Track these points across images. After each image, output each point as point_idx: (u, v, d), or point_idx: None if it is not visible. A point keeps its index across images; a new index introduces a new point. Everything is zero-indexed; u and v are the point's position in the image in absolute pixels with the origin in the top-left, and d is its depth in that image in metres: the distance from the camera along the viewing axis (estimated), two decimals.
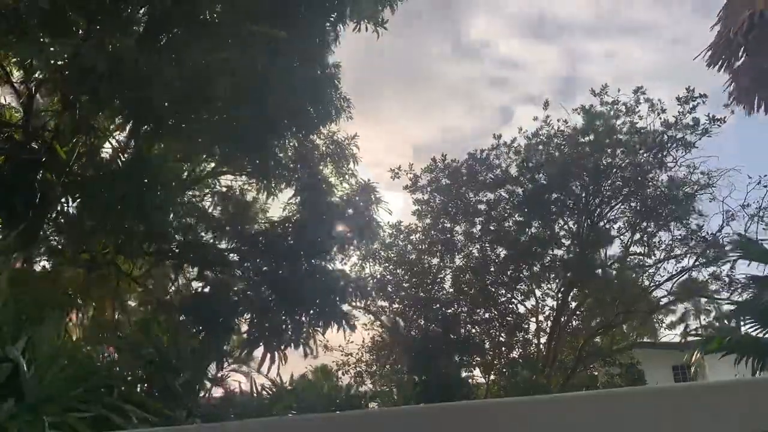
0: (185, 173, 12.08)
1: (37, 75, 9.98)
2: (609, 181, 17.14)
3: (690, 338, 19.02)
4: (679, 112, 16.34)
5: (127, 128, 9.58)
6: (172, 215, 11.00)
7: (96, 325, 12.02)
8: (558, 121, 17.37)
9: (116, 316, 12.84)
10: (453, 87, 31.31)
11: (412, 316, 18.02)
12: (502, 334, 18.42)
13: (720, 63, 10.73)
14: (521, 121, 31.55)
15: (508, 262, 17.99)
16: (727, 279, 16.45)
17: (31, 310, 5.56)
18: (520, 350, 18.62)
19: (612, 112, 16.90)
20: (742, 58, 10.49)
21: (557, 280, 18.41)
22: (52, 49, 7.92)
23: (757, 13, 9.75)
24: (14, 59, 9.99)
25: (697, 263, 17.03)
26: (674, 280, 17.65)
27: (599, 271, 17.92)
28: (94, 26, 8.63)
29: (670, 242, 17.42)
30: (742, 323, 7.08)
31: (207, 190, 13.21)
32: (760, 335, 6.72)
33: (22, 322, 4.81)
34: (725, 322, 18.94)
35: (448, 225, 18.50)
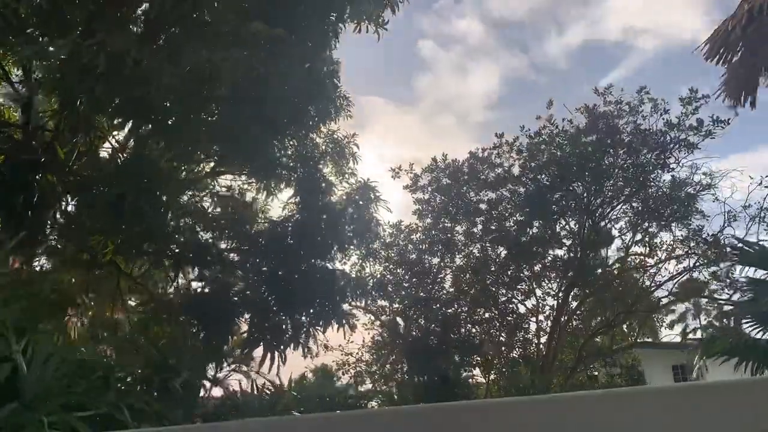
0: (185, 173, 12.08)
1: (36, 75, 9.99)
2: (611, 181, 17.14)
3: (690, 338, 19.04)
4: (681, 113, 16.33)
5: (127, 128, 9.58)
6: (171, 215, 11.00)
7: (96, 325, 12.01)
8: (563, 120, 17.38)
9: (116, 316, 12.84)
10: None
11: (413, 316, 18.02)
12: (502, 334, 18.43)
13: (717, 57, 10.68)
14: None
15: (509, 262, 17.99)
16: (727, 280, 16.46)
17: (31, 310, 5.55)
18: (520, 350, 18.63)
19: (615, 112, 16.88)
20: (740, 52, 10.45)
21: (558, 280, 18.41)
22: (50, 48, 7.91)
23: (756, 6, 9.71)
24: (14, 59, 9.99)
25: (698, 264, 17.04)
26: (675, 280, 17.68)
27: (600, 271, 17.93)
28: (93, 26, 8.63)
29: (672, 243, 17.44)
30: (742, 324, 7.05)
31: (206, 190, 13.21)
32: (759, 336, 6.69)
33: (23, 322, 4.80)
34: (725, 322, 18.97)
35: (449, 225, 18.51)
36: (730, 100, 10.87)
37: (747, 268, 6.96)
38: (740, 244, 7.63)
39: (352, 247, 14.06)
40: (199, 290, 12.13)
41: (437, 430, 1.17)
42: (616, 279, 18.15)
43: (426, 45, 30.04)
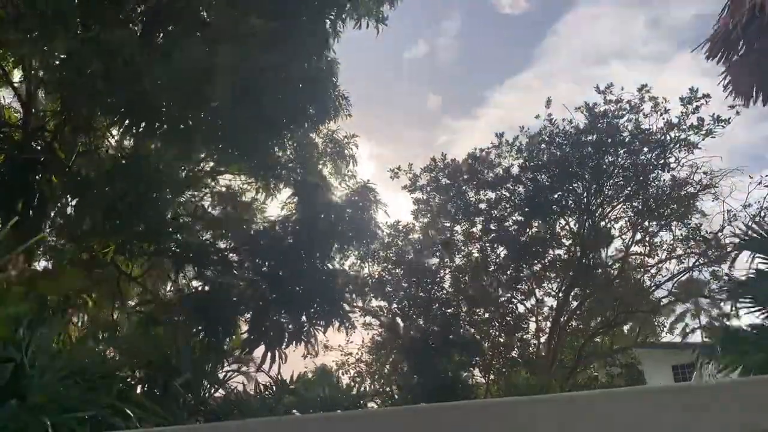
0: (184, 173, 12.07)
1: (36, 75, 9.99)
2: (611, 181, 17.14)
3: (689, 338, 19.03)
4: (682, 112, 16.31)
5: (125, 127, 9.57)
6: (171, 214, 10.99)
7: (96, 325, 12.01)
8: (563, 120, 17.37)
9: (116, 316, 12.83)
10: None
11: (412, 316, 18.03)
12: (502, 334, 18.44)
13: (719, 56, 10.63)
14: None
15: (509, 262, 17.99)
16: (727, 278, 16.46)
17: (31, 311, 5.55)
18: (520, 350, 18.64)
19: (616, 111, 16.86)
20: (741, 51, 10.41)
21: (558, 280, 18.42)
22: (49, 48, 7.90)
23: (757, 5, 9.67)
24: (14, 59, 9.99)
25: (698, 263, 17.05)
26: (675, 279, 17.69)
27: (600, 271, 17.93)
28: (91, 25, 8.62)
29: (672, 242, 17.45)
30: (738, 305, 6.96)
31: (206, 190, 13.21)
32: (757, 316, 6.55)
33: (24, 323, 4.80)
34: (725, 321, 18.97)
35: (448, 224, 18.51)
36: (738, 98, 10.82)
37: (748, 258, 6.87)
38: (748, 231, 7.52)
39: (350, 247, 14.05)
40: (199, 290, 12.11)
41: (437, 430, 1.17)
42: (616, 279, 18.15)
43: None
